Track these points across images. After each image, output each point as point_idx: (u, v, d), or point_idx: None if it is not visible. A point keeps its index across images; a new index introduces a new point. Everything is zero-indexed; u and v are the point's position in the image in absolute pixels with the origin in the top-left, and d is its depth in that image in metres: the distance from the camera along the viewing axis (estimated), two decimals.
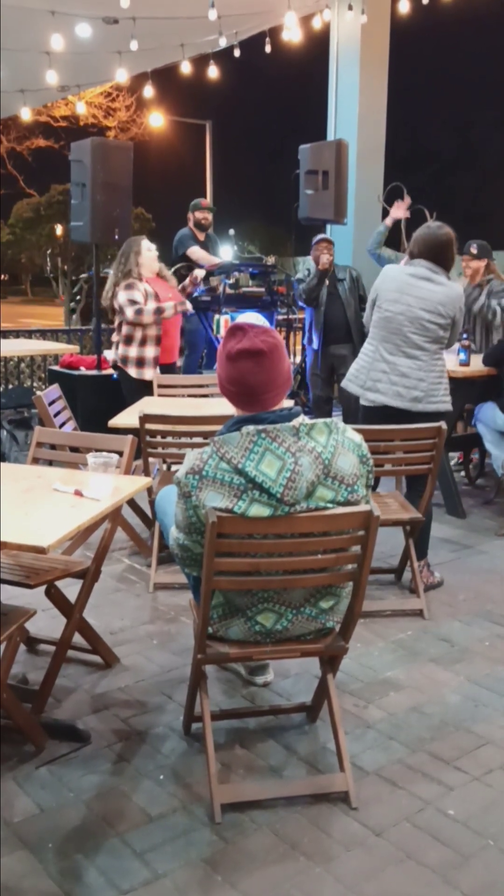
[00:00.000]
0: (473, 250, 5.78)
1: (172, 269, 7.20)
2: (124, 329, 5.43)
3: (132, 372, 5.44)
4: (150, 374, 5.42)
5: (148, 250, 5.49)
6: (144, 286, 5.42)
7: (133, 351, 5.43)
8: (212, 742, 2.48)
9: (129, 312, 5.32)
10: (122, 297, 5.34)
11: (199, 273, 6.27)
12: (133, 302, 5.32)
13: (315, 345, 6.60)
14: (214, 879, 2.15)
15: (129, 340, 5.43)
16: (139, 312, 5.32)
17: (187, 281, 6.16)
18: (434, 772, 2.61)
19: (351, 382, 4.18)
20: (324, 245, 6.45)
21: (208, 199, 9.66)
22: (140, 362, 5.43)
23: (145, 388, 5.30)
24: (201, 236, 7.46)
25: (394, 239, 6.80)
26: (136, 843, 2.28)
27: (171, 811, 2.41)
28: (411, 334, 3.94)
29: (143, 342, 5.41)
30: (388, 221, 6.57)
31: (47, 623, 3.37)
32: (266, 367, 2.30)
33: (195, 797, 2.47)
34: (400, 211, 6.56)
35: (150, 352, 5.43)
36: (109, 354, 5.64)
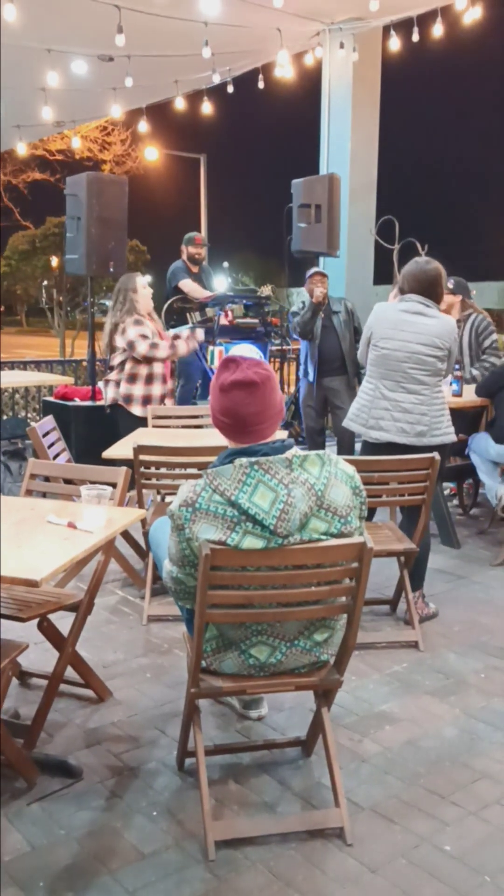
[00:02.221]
0: (450, 285, 5.86)
1: (167, 303, 7.26)
2: (128, 367, 5.37)
3: (136, 410, 5.36)
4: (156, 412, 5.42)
5: (143, 288, 5.45)
6: (149, 324, 5.41)
7: (138, 389, 5.38)
8: (205, 778, 2.46)
9: (143, 347, 5.27)
10: (131, 332, 5.28)
11: (200, 336, 6.07)
12: (144, 337, 5.29)
13: (310, 377, 6.63)
14: None
15: (133, 379, 5.37)
16: (154, 346, 5.30)
17: (184, 336, 5.89)
18: (430, 807, 2.58)
19: (352, 422, 4.18)
20: (317, 278, 6.50)
21: (202, 232, 9.76)
22: (146, 400, 5.39)
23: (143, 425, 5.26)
24: (195, 269, 7.52)
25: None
26: (127, 881, 2.24)
27: (163, 848, 2.38)
28: (410, 369, 3.97)
29: (149, 380, 5.39)
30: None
31: (39, 656, 3.35)
32: (258, 399, 2.31)
33: (188, 834, 2.44)
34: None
35: (157, 389, 5.42)
36: (110, 394, 5.50)
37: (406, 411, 3.98)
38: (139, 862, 2.32)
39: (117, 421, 5.46)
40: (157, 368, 5.40)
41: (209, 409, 2.45)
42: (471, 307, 5.88)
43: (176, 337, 5.66)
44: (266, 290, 7.67)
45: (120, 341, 5.36)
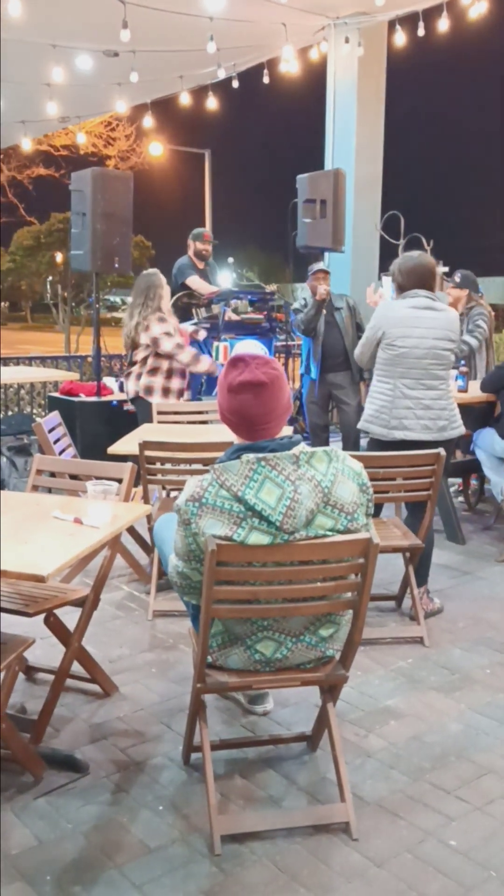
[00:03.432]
0: (457, 278, 5.85)
1: (173, 299, 7.26)
2: (150, 361, 5.52)
3: (157, 400, 5.52)
4: (173, 401, 5.58)
5: (167, 285, 5.62)
6: (173, 319, 5.60)
7: (159, 381, 5.55)
8: (211, 772, 2.47)
9: (169, 345, 5.44)
10: (157, 329, 5.43)
11: (201, 335, 6.44)
12: (169, 335, 5.45)
13: (313, 373, 6.62)
14: None
15: (154, 372, 5.54)
16: (180, 347, 5.49)
17: (189, 333, 6.21)
18: (435, 802, 2.59)
19: (371, 424, 4.11)
20: (320, 275, 6.49)
21: (208, 228, 9.74)
22: (166, 392, 5.57)
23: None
24: (200, 265, 7.51)
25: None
26: (134, 875, 2.25)
27: (169, 842, 2.39)
28: (429, 366, 3.97)
29: (168, 374, 5.57)
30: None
31: (46, 651, 3.36)
32: (267, 399, 2.31)
33: (194, 828, 2.45)
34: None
35: (176, 383, 5.61)
36: (131, 387, 5.65)
37: (428, 408, 3.98)
38: (145, 856, 2.33)
39: (138, 413, 5.66)
40: (177, 363, 5.56)
41: (215, 405, 2.45)
42: (475, 302, 5.86)
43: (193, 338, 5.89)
44: (272, 288, 7.66)
45: (144, 338, 5.46)
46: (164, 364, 5.54)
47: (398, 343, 3.97)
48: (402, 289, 4.08)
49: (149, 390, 5.55)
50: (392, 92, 8.84)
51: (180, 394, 5.67)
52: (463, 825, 2.48)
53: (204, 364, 5.62)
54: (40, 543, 2.56)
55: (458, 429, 4.08)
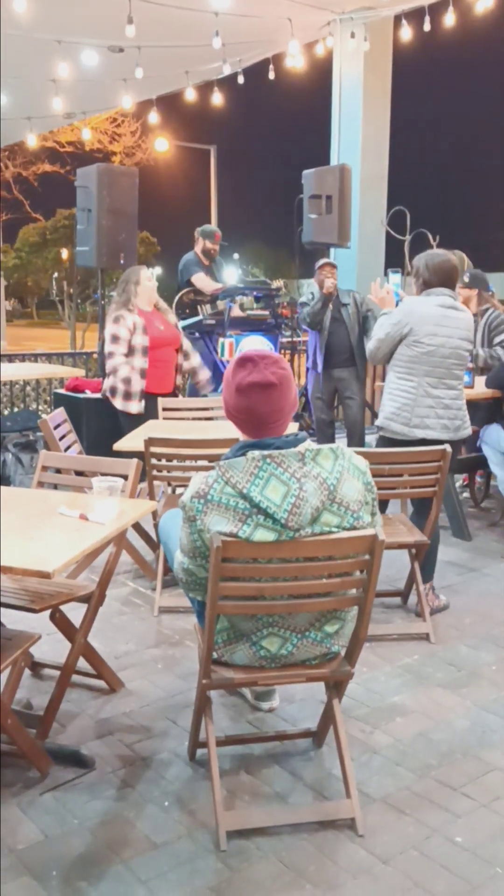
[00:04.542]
0: (466, 279, 5.82)
1: (178, 295, 7.25)
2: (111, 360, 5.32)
3: (117, 404, 5.31)
4: (135, 407, 5.28)
5: (147, 280, 5.40)
6: (134, 318, 5.27)
7: (119, 383, 5.29)
8: (217, 768, 2.47)
9: (106, 348, 5.29)
10: (107, 329, 5.29)
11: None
12: (115, 338, 5.23)
13: (318, 368, 6.62)
14: None
15: (115, 371, 5.30)
16: (111, 356, 5.26)
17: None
18: (441, 799, 2.59)
19: (392, 421, 4.03)
20: (327, 269, 6.48)
21: (213, 223, 9.73)
22: (127, 395, 5.31)
23: (135, 421, 5.12)
24: (206, 261, 7.50)
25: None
26: (140, 870, 2.26)
27: (175, 838, 2.39)
28: (453, 365, 3.97)
29: (125, 374, 5.29)
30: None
31: (52, 647, 3.36)
32: (275, 398, 2.31)
33: (200, 824, 2.45)
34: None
35: (137, 385, 5.29)
36: (105, 385, 5.49)
37: (447, 407, 3.98)
38: (152, 852, 2.33)
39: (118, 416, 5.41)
40: (137, 362, 5.27)
41: (221, 402, 2.45)
42: (488, 301, 5.81)
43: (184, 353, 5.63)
44: (278, 284, 7.65)
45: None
46: (124, 365, 5.27)
47: (426, 341, 3.91)
48: (427, 285, 4.00)
49: (113, 391, 5.32)
50: (398, 87, 8.83)
51: (142, 396, 5.29)
52: (469, 822, 2.47)
53: (110, 381, 5.32)
54: (46, 540, 2.56)
55: (468, 429, 4.09)
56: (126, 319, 5.26)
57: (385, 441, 4.10)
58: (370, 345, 4.15)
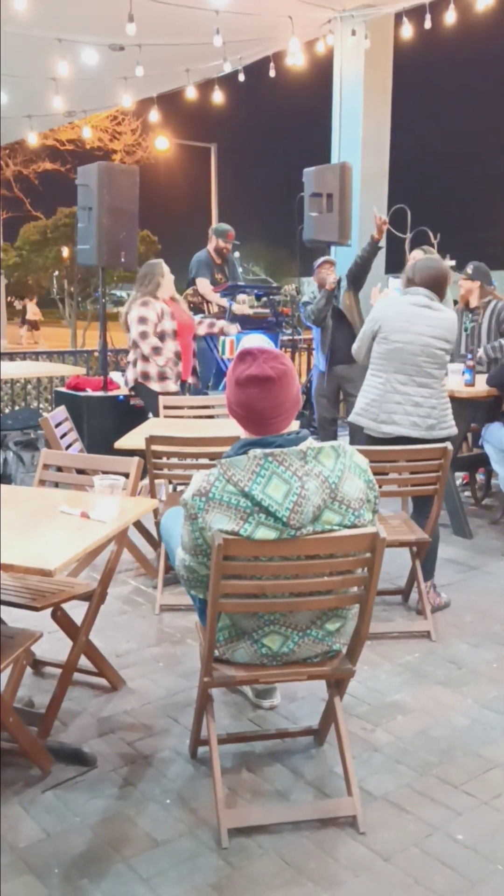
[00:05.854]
0: (469, 270, 5.82)
1: (183, 294, 7.27)
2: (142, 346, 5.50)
3: (155, 386, 5.51)
4: (173, 386, 5.54)
5: (169, 274, 5.62)
6: (161, 305, 5.51)
7: (153, 367, 5.51)
8: (218, 766, 2.47)
9: (135, 332, 5.42)
10: (134, 312, 5.44)
11: (232, 330, 6.35)
12: (143, 320, 5.40)
13: (321, 366, 6.62)
14: None
15: (148, 357, 5.50)
16: (144, 336, 5.41)
17: (216, 328, 6.21)
18: (442, 796, 2.59)
19: (361, 416, 4.13)
20: (327, 266, 6.49)
21: (214, 221, 9.71)
22: (162, 377, 5.53)
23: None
24: (219, 260, 7.49)
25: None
26: (142, 868, 2.26)
27: (177, 836, 2.39)
28: (423, 363, 3.97)
29: (158, 353, 5.51)
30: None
31: (53, 646, 3.36)
32: (274, 393, 2.30)
33: (201, 822, 2.45)
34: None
35: (171, 368, 5.56)
36: (130, 375, 5.66)
37: (418, 405, 3.97)
38: (153, 849, 2.33)
39: (143, 400, 5.66)
40: (169, 346, 5.49)
41: (224, 399, 2.45)
42: (490, 294, 5.83)
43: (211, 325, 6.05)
44: (289, 289, 7.65)
45: (129, 321, 5.50)
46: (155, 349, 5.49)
47: (393, 337, 3.98)
48: (410, 283, 4.07)
49: (146, 376, 5.53)
50: (398, 85, 8.80)
51: (179, 378, 5.61)
52: (470, 819, 2.48)
53: (157, 362, 5.48)
54: (47, 538, 2.57)
55: (449, 429, 4.04)
56: (154, 304, 5.47)
57: (366, 437, 4.12)
58: (353, 344, 4.29)
